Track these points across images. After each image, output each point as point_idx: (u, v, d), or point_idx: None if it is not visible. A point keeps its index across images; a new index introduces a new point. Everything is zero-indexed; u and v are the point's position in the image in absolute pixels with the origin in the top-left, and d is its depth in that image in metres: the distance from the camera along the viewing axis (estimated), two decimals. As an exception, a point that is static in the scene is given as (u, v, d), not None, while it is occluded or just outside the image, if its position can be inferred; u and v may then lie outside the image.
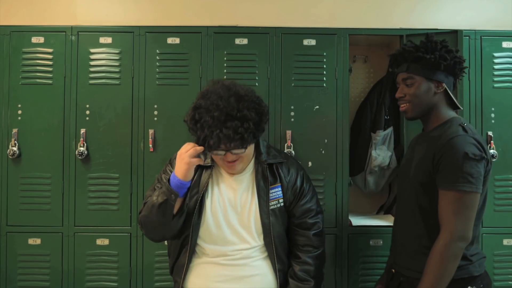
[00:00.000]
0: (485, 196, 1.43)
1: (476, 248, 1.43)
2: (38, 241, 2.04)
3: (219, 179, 1.54)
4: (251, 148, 1.49)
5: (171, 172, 1.50)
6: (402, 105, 1.52)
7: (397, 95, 1.52)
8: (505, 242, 2.06)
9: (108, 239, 2.04)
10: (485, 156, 1.36)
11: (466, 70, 1.56)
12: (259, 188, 1.51)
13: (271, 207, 1.50)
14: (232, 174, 1.52)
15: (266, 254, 1.52)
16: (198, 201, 1.48)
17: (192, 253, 1.51)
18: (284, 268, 1.54)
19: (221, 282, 1.48)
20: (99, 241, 2.04)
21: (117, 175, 2.05)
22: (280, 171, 1.55)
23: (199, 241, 1.51)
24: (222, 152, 1.41)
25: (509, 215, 2.06)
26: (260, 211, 1.49)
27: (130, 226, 2.05)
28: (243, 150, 1.41)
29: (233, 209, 1.50)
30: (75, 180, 2.05)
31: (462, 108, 1.57)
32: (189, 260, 1.51)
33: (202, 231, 1.49)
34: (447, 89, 1.47)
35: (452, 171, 1.33)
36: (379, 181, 2.32)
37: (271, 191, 1.51)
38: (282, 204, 1.53)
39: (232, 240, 1.49)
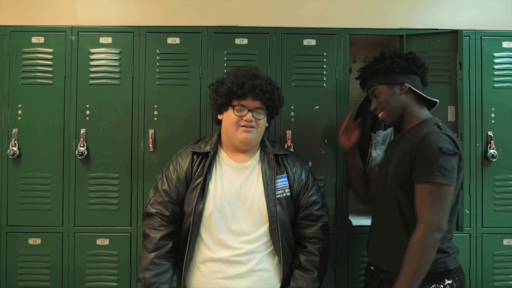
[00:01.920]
0: (458, 194, 1.49)
1: (450, 242, 1.48)
2: (38, 241, 2.04)
3: (223, 167, 1.56)
4: (264, 122, 1.56)
5: (168, 180, 1.55)
6: (379, 115, 1.65)
7: (371, 108, 1.67)
8: (505, 242, 2.06)
9: (108, 239, 2.04)
10: (458, 152, 1.42)
11: (427, 67, 1.66)
12: (265, 177, 1.53)
13: (278, 196, 1.52)
14: (245, 139, 1.52)
15: (270, 249, 1.52)
16: (200, 187, 1.49)
17: (193, 246, 1.51)
18: (287, 260, 1.55)
19: (224, 279, 1.48)
20: (99, 241, 2.04)
21: (117, 175, 2.05)
22: (286, 162, 1.59)
23: (202, 232, 1.50)
24: (245, 111, 1.50)
25: (509, 215, 2.06)
26: (266, 200, 1.50)
27: (130, 226, 2.05)
28: (263, 115, 1.53)
29: (238, 197, 1.51)
30: (75, 180, 2.05)
31: (437, 101, 1.62)
32: (190, 256, 1.51)
33: (205, 220, 1.49)
34: (412, 87, 1.58)
35: (426, 165, 1.40)
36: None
37: (277, 181, 1.54)
38: (288, 194, 1.55)
39: (236, 229, 1.49)
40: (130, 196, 2.05)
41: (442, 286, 1.43)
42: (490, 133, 2.06)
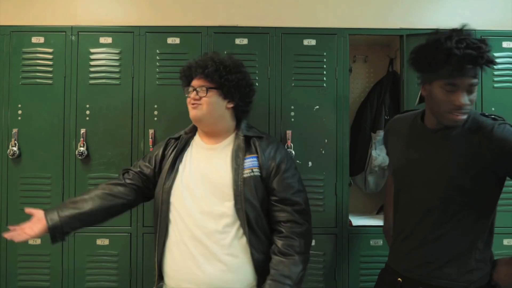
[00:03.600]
0: None
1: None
2: (38, 241, 2.04)
3: (194, 149, 1.61)
4: (212, 101, 1.54)
5: (144, 157, 1.70)
6: (460, 116, 1.28)
7: (464, 102, 1.27)
8: (505, 242, 2.06)
9: (108, 239, 2.04)
10: None
11: None
12: (233, 157, 1.54)
13: (245, 175, 1.50)
14: (193, 116, 1.56)
15: (237, 232, 1.48)
16: (169, 166, 1.56)
17: (163, 226, 1.53)
18: (258, 245, 1.49)
19: (195, 260, 1.46)
20: (99, 241, 2.04)
21: (117, 175, 2.04)
22: (257, 144, 1.57)
23: (170, 212, 1.52)
24: (190, 89, 1.56)
25: (509, 215, 2.06)
26: (233, 178, 1.50)
27: (130, 226, 2.05)
28: (205, 92, 1.52)
29: (205, 177, 1.53)
30: (75, 180, 2.05)
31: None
32: (162, 235, 1.53)
33: (173, 198, 1.53)
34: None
35: None
36: (379, 181, 2.32)
37: (245, 160, 1.53)
38: (257, 173, 1.52)
39: (202, 207, 1.49)
40: (130, 196, 2.05)
41: None
42: (490, 133, 2.06)
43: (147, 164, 1.65)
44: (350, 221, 2.10)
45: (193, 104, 1.54)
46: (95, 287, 2.04)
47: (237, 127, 1.62)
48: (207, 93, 1.52)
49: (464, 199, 1.33)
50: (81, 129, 2.05)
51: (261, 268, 1.49)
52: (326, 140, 2.07)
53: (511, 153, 1.24)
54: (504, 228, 2.06)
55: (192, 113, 1.55)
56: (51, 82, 2.06)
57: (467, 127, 1.32)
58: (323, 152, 2.06)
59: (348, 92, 2.09)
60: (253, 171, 1.52)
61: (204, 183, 1.52)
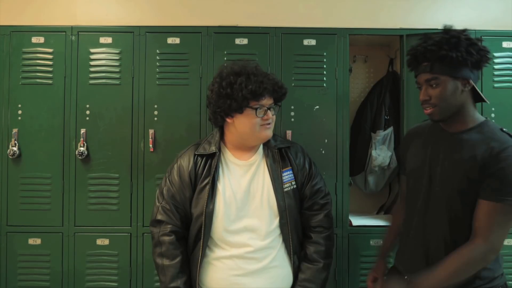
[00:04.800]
0: None
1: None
2: (38, 241, 2.04)
3: (229, 166, 1.56)
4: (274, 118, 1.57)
5: (172, 184, 1.55)
6: (427, 109, 1.37)
7: (422, 97, 1.37)
8: (505, 242, 2.05)
9: (108, 239, 2.04)
10: None
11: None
12: (272, 171, 1.54)
13: (286, 189, 1.53)
14: (266, 137, 1.54)
15: (281, 244, 1.53)
16: (209, 188, 1.50)
17: (205, 246, 1.51)
18: (297, 252, 1.56)
19: (242, 276, 1.48)
20: (99, 241, 2.04)
21: (117, 175, 2.05)
22: (289, 154, 1.60)
23: (213, 234, 1.51)
24: (264, 110, 1.48)
25: (509, 215, 2.06)
26: (275, 194, 1.51)
27: (130, 226, 2.05)
28: (278, 108, 1.57)
29: (247, 194, 1.52)
30: (75, 180, 2.05)
31: (488, 102, 1.46)
32: (203, 255, 1.51)
33: (216, 220, 1.49)
34: (474, 85, 1.36)
35: (504, 184, 1.26)
36: (379, 181, 2.32)
37: (283, 174, 1.55)
38: (295, 186, 1.57)
39: (247, 226, 1.50)
40: (130, 196, 2.05)
41: None
42: (490, 133, 2.06)
43: (179, 205, 1.54)
44: (350, 221, 2.10)
45: (268, 124, 1.52)
46: (95, 287, 2.04)
47: None
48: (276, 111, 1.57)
49: (465, 199, 1.34)
50: (81, 129, 2.05)
51: (296, 272, 1.56)
52: (326, 140, 2.07)
53: (499, 178, 1.27)
54: (504, 228, 2.05)
55: (266, 134, 1.53)
56: (51, 82, 2.06)
57: (483, 136, 1.34)
58: (323, 152, 2.06)
59: (348, 92, 2.09)
60: (292, 184, 1.56)
61: (248, 201, 1.52)
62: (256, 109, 1.47)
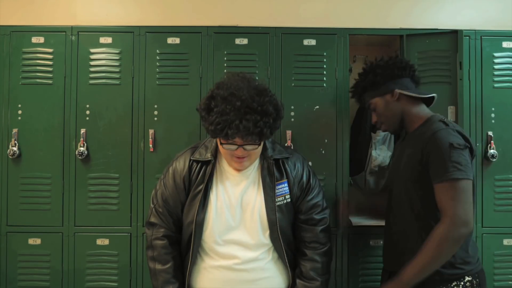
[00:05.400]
0: (474, 188, 1.45)
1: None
2: (38, 241, 2.04)
3: (223, 175, 1.51)
4: (261, 146, 1.46)
5: (165, 187, 1.52)
6: (381, 127, 1.67)
7: (373, 122, 1.69)
8: (505, 242, 2.05)
9: (108, 239, 2.04)
10: (468, 145, 1.43)
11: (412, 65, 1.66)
12: (265, 184, 1.48)
13: (278, 203, 1.48)
14: (238, 170, 1.49)
15: (272, 255, 1.50)
16: (201, 196, 1.46)
17: (196, 253, 1.49)
18: (293, 265, 1.53)
19: (231, 285, 1.46)
20: (99, 241, 2.04)
21: (117, 175, 2.05)
22: (287, 166, 1.52)
23: (203, 242, 1.48)
24: (235, 147, 1.37)
25: (509, 215, 2.06)
26: (266, 208, 1.47)
27: (130, 226, 2.05)
28: (256, 146, 1.39)
29: (239, 205, 1.48)
30: (75, 180, 2.05)
31: (434, 95, 1.60)
32: (193, 262, 1.49)
33: (206, 229, 1.47)
34: (403, 92, 1.57)
35: (441, 163, 1.39)
36: (379, 181, 2.32)
37: (277, 187, 1.49)
38: (289, 200, 1.50)
39: (237, 239, 1.47)
40: (130, 196, 2.05)
41: (462, 283, 1.42)
42: (490, 133, 2.06)
43: (172, 210, 1.52)
44: (350, 221, 2.09)
45: (238, 159, 1.42)
46: (95, 287, 2.04)
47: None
48: (257, 145, 1.41)
49: (416, 194, 1.48)
50: (81, 129, 2.05)
51: (291, 285, 1.53)
52: (326, 140, 2.06)
53: (434, 160, 1.41)
54: (504, 228, 2.05)
55: (240, 166, 1.45)
56: (51, 82, 2.06)
57: (426, 130, 1.50)
58: (323, 152, 2.06)
59: (348, 92, 2.09)
60: (285, 198, 1.50)
61: (238, 213, 1.48)
62: (222, 144, 1.40)
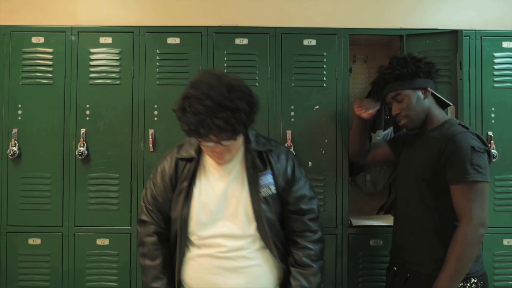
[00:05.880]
0: None
1: None
2: (38, 241, 2.04)
3: (206, 170, 1.53)
4: (240, 139, 1.47)
5: (155, 186, 1.54)
6: (401, 121, 1.64)
7: (394, 112, 1.64)
8: (505, 242, 2.05)
9: (108, 239, 2.04)
10: (487, 149, 1.47)
11: (439, 72, 1.71)
12: (248, 175, 1.49)
13: (263, 195, 1.48)
14: (219, 163, 1.50)
15: (259, 245, 1.49)
16: (185, 192, 1.48)
17: (183, 247, 1.50)
18: (282, 256, 1.52)
19: (217, 274, 1.46)
20: (99, 241, 2.04)
21: (117, 175, 2.05)
22: (270, 158, 1.53)
23: (189, 235, 1.50)
24: (211, 144, 1.39)
25: (509, 215, 2.06)
26: (251, 199, 1.47)
27: (130, 226, 2.05)
28: (232, 141, 1.40)
29: (223, 199, 1.49)
30: (75, 180, 2.05)
31: (452, 105, 1.67)
32: (182, 255, 1.50)
33: (192, 223, 1.48)
34: (433, 91, 1.62)
35: (461, 165, 1.41)
36: (379, 181, 2.32)
37: (261, 178, 1.49)
38: (274, 191, 1.51)
39: (223, 231, 1.47)
40: (130, 196, 2.05)
41: (468, 285, 1.44)
42: (490, 133, 2.06)
43: (161, 207, 1.54)
44: (350, 221, 2.10)
45: (217, 154, 1.44)
46: (95, 287, 2.04)
47: (245, 138, 1.54)
48: (234, 140, 1.41)
49: (428, 192, 1.51)
50: (81, 129, 2.05)
51: (283, 278, 1.52)
52: (326, 140, 2.06)
53: (454, 162, 1.43)
54: (504, 228, 2.06)
55: (220, 161, 1.47)
56: (51, 82, 2.06)
57: (444, 132, 1.53)
58: (323, 152, 2.06)
59: (348, 92, 2.09)
60: (270, 189, 1.50)
61: (223, 206, 1.48)
62: (199, 141, 1.42)
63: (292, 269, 1.51)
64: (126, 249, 2.04)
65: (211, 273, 1.47)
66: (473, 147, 1.42)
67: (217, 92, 1.33)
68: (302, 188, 1.55)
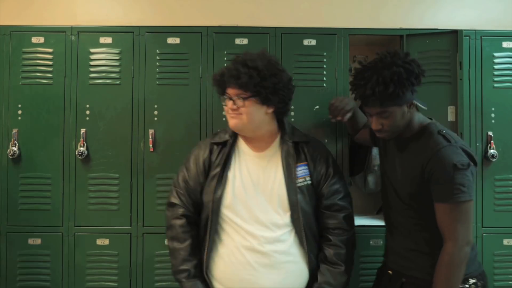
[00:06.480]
0: None
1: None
2: (38, 241, 2.04)
3: (241, 156, 1.56)
4: (252, 111, 1.49)
5: (187, 170, 1.58)
6: (382, 134, 1.51)
7: (375, 127, 1.49)
8: (505, 242, 2.05)
9: (108, 239, 2.04)
10: (472, 162, 1.40)
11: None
12: (285, 165, 1.51)
13: (299, 185, 1.50)
14: (232, 127, 1.54)
15: (294, 238, 1.49)
16: (219, 176, 1.50)
17: (214, 231, 1.50)
18: (313, 250, 1.52)
19: (250, 273, 1.45)
20: (99, 241, 2.04)
21: (117, 175, 2.05)
22: (306, 150, 1.56)
23: (221, 220, 1.50)
24: (227, 100, 1.50)
25: (509, 215, 2.06)
26: (287, 188, 1.49)
27: (130, 226, 2.05)
28: (242, 101, 1.47)
29: (258, 186, 1.50)
30: (75, 180, 2.05)
31: (426, 108, 1.55)
32: (211, 240, 1.50)
33: (224, 207, 1.49)
34: (416, 101, 1.50)
35: (444, 185, 1.37)
36: (378, 181, 2.31)
37: (297, 169, 1.52)
38: (309, 182, 1.53)
39: (257, 218, 1.47)
40: (130, 196, 2.05)
41: (467, 286, 1.43)
42: (490, 133, 2.06)
43: (193, 191, 1.56)
44: (350, 221, 2.09)
45: (231, 114, 1.51)
46: (95, 287, 2.04)
47: (281, 129, 1.59)
48: (245, 102, 1.48)
49: (417, 204, 1.47)
50: (81, 129, 2.05)
51: (314, 273, 1.53)
52: (326, 140, 2.06)
53: (437, 181, 1.39)
54: (504, 228, 2.06)
55: (232, 122, 1.51)
56: (51, 82, 2.06)
57: (423, 142, 1.46)
58: (323, 152, 2.06)
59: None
60: (306, 180, 1.52)
61: (258, 193, 1.50)
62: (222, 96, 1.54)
63: (322, 265, 1.52)
64: (126, 249, 2.04)
65: (245, 269, 1.46)
66: (455, 165, 1.35)
67: (249, 56, 1.49)
68: (338, 183, 1.58)
